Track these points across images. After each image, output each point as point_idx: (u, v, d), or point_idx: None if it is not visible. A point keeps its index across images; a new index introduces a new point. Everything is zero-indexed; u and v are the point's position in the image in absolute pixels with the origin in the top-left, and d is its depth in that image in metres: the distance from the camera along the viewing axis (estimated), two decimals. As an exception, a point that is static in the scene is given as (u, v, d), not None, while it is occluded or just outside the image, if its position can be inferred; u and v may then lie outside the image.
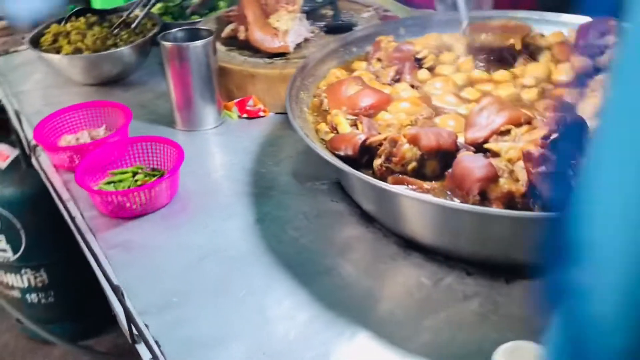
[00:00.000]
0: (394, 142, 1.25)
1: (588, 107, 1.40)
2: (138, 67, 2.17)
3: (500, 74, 1.60)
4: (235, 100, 1.88)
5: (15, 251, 2.53)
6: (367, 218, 1.42)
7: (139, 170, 1.60)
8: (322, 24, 2.11)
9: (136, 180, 1.57)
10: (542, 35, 1.78)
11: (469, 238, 1.23)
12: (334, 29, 2.03)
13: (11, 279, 2.63)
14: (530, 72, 1.61)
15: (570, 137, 1.25)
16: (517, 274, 1.25)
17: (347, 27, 2.02)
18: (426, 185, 1.24)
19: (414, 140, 1.24)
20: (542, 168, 1.10)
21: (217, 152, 1.76)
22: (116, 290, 1.21)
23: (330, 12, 2.21)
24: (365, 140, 1.29)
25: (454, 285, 1.25)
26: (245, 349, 1.15)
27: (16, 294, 2.68)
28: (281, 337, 1.17)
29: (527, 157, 1.13)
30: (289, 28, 1.88)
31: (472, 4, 2.00)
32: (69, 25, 2.14)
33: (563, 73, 1.60)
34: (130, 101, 2.03)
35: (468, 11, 1.88)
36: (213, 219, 1.48)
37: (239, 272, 1.32)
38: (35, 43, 2.11)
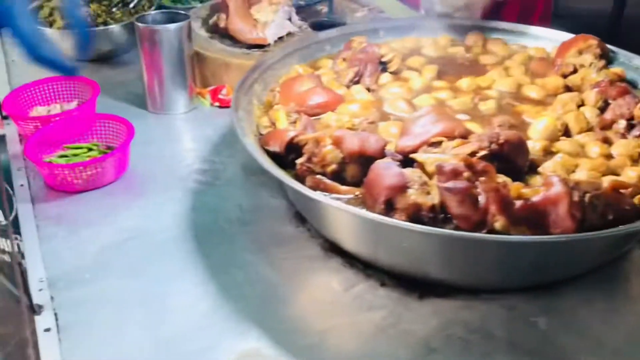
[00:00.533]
0: (317, 143, 1.22)
1: (543, 127, 1.35)
2: (131, 47, 2.19)
3: (465, 82, 1.55)
4: (209, 88, 1.88)
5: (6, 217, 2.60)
6: (300, 217, 1.40)
7: (94, 147, 1.62)
8: (314, 20, 2.09)
9: (89, 157, 1.59)
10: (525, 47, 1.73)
11: (385, 249, 1.20)
12: (320, 26, 2.01)
13: (2, 243, 2.70)
14: (497, 84, 1.55)
15: (500, 156, 1.20)
16: (432, 291, 1.21)
17: (334, 25, 1.99)
18: (343, 189, 1.20)
19: (337, 143, 1.21)
20: (450, 184, 1.06)
21: (179, 138, 1.76)
22: (18, 261, 1.22)
23: (326, 9, 2.19)
24: (293, 138, 1.27)
25: (363, 295, 1.21)
26: (139, 334, 1.15)
27: (7, 258, 2.76)
28: (176, 326, 1.16)
29: (439, 170, 1.09)
30: (269, 20, 1.87)
31: (461, 11, 1.95)
32: (67, 0, 2.18)
33: (533, 90, 1.54)
34: (113, 79, 2.06)
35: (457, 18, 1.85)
36: (152, 202, 1.49)
37: (158, 257, 1.32)
38: (34, 15, 2.15)
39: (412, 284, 1.22)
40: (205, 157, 1.64)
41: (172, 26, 1.73)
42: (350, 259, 1.28)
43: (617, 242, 1.14)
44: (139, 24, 1.74)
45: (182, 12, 1.82)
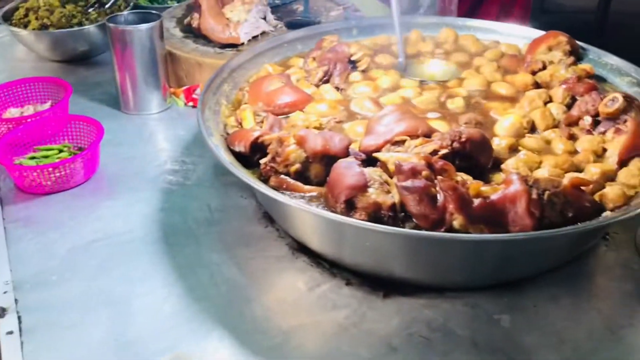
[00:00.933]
0: (280, 142, 1.22)
1: (509, 124, 1.35)
2: (107, 47, 2.17)
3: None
4: (183, 88, 1.88)
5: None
6: (269, 217, 1.40)
7: (65, 149, 1.61)
8: (289, 19, 2.09)
9: (59, 158, 1.58)
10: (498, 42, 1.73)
11: (348, 248, 1.20)
12: (295, 25, 2.00)
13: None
14: (467, 83, 1.55)
15: (463, 154, 1.20)
16: (397, 289, 1.21)
17: (309, 24, 1.98)
18: (307, 188, 1.20)
19: (300, 142, 1.21)
20: (408, 182, 1.06)
21: (151, 138, 1.76)
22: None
23: (301, 8, 2.19)
24: (257, 138, 1.26)
25: (328, 294, 1.21)
26: (102, 335, 1.15)
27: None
28: (140, 328, 1.16)
29: (397, 169, 1.09)
30: (242, 19, 1.86)
31: (436, 9, 1.95)
32: (42, 1, 2.17)
33: (502, 86, 1.54)
34: (88, 79, 2.06)
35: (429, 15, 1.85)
36: (121, 202, 1.48)
37: (125, 258, 1.32)
38: (8, 17, 2.15)
39: (377, 283, 1.22)
40: (176, 157, 1.64)
41: (143, 26, 1.73)
42: (317, 259, 1.28)
43: (578, 239, 1.14)
44: (111, 25, 1.74)
45: (155, 12, 1.82)
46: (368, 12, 2.38)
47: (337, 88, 1.54)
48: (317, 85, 1.56)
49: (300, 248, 1.31)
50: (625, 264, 1.26)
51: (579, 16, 6.19)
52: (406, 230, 1.06)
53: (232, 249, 1.33)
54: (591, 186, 1.15)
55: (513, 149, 1.31)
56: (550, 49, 1.58)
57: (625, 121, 1.29)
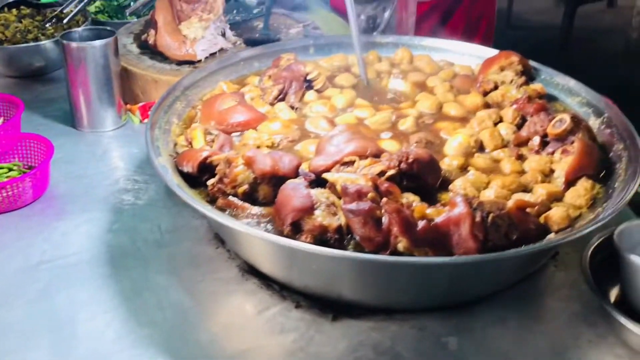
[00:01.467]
0: (229, 163, 1.21)
1: (457, 144, 1.35)
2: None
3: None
4: (139, 105, 1.85)
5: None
6: (220, 238, 1.38)
7: (15, 167, 1.58)
8: (248, 36, 2.08)
9: (8, 177, 1.54)
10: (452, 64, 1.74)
11: (297, 271, 1.19)
12: (254, 42, 2.00)
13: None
14: (419, 104, 1.56)
15: (410, 175, 1.20)
16: (346, 312, 1.19)
17: (268, 41, 1.98)
18: (254, 210, 1.19)
19: (248, 163, 1.20)
20: (353, 205, 1.05)
21: (104, 156, 1.73)
22: None
23: (262, 25, 2.18)
24: (205, 158, 1.25)
25: (277, 317, 1.19)
26: (42, 361, 1.11)
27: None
28: (81, 353, 1.13)
29: (343, 192, 1.08)
30: (199, 36, 1.85)
31: (393, 29, 1.96)
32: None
33: (453, 107, 1.54)
34: (43, 96, 2.02)
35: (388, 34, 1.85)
36: (69, 223, 1.45)
37: (71, 281, 1.29)
38: None
39: (327, 305, 1.21)
40: (128, 175, 1.61)
41: (97, 43, 1.71)
42: (267, 281, 1.26)
43: (523, 261, 1.14)
44: (64, 41, 1.71)
45: (110, 28, 1.79)
46: (331, 30, 2.38)
47: (292, 107, 1.54)
48: (272, 104, 1.55)
49: (251, 270, 1.29)
50: (573, 284, 1.26)
51: (543, 32, 6.31)
52: (345, 253, 1.05)
53: (181, 271, 1.31)
54: (537, 207, 1.15)
55: (463, 169, 1.32)
56: (502, 69, 1.59)
57: (572, 142, 1.30)
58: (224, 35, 2.00)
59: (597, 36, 6.06)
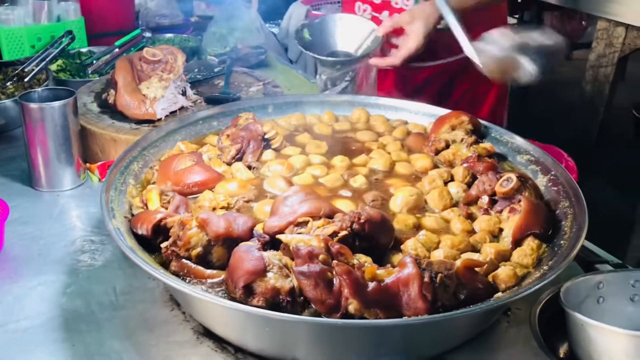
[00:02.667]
0: (182, 225, 1.22)
1: (401, 201, 1.38)
2: (24, 121, 2.16)
3: (339, 159, 1.59)
4: (98, 163, 1.86)
5: None
6: (175, 300, 1.37)
7: (-32, 228, 1.56)
8: (209, 94, 2.11)
9: (-39, 239, 1.52)
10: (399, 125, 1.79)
11: (251, 334, 1.18)
12: (214, 100, 2.03)
13: None
14: (372, 162, 1.59)
15: (363, 235, 1.22)
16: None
17: (228, 100, 2.01)
18: (208, 273, 1.19)
19: (202, 225, 1.21)
20: (304, 267, 1.06)
21: (61, 216, 1.71)
22: None
23: (222, 83, 2.22)
24: (160, 220, 1.26)
25: (231, 381, 1.19)
26: None
27: None
28: None
29: (295, 253, 1.10)
30: (159, 95, 1.88)
31: (354, 88, 2.01)
32: (-40, 74, 2.14)
33: (403, 167, 1.58)
34: (2, 154, 2.01)
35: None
36: (22, 286, 1.43)
37: (22, 347, 1.26)
38: None
39: (284, 368, 1.20)
40: (85, 236, 1.61)
41: (56, 104, 1.72)
42: (222, 343, 1.26)
43: (474, 319, 1.16)
44: (22, 102, 1.72)
45: (69, 89, 1.81)
46: (292, 86, 2.44)
47: (250, 166, 1.56)
48: (230, 164, 1.57)
49: (206, 332, 1.28)
50: (525, 340, 1.28)
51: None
52: (295, 316, 1.06)
53: (135, 335, 1.29)
54: (485, 267, 1.18)
55: (413, 228, 1.34)
56: (453, 128, 1.64)
57: (519, 201, 1.34)
58: (184, 94, 2.02)
59: (554, 87, 6.28)
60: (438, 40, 1.98)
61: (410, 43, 1.91)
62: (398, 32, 1.99)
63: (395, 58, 1.94)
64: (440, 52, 2.13)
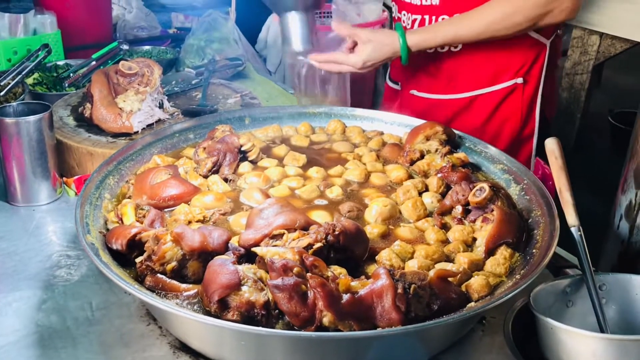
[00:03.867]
0: (157, 240, 1.22)
1: (376, 212, 1.39)
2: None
3: (314, 170, 1.60)
4: (75, 177, 1.85)
5: None
6: (151, 314, 1.37)
7: (-59, 245, 1.54)
8: (186, 107, 2.11)
9: None
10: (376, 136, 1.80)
11: (227, 347, 1.19)
12: (191, 113, 2.03)
13: None
14: (347, 173, 1.60)
15: (338, 247, 1.22)
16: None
17: (205, 112, 2.02)
18: (183, 287, 1.19)
19: (177, 239, 1.21)
20: (278, 280, 1.07)
21: (37, 231, 1.70)
22: None
23: (200, 95, 2.22)
24: (134, 235, 1.25)
25: (208, 395, 1.19)
26: None
27: None
28: None
29: (269, 267, 1.10)
30: (135, 109, 1.87)
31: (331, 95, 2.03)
32: None
33: (378, 177, 1.59)
34: (-24, 170, 2.00)
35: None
36: (-3, 302, 1.42)
37: (-5, 364, 1.26)
38: None
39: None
40: (62, 251, 1.60)
41: (31, 118, 1.71)
42: (199, 357, 1.26)
43: (448, 329, 1.18)
44: (-4, 117, 1.71)
45: (45, 103, 1.80)
46: (270, 97, 2.45)
47: (226, 179, 1.56)
48: (206, 176, 1.57)
49: (182, 347, 1.28)
50: (500, 348, 1.30)
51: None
52: (268, 330, 1.06)
53: (111, 350, 1.29)
54: (459, 276, 1.19)
55: (383, 237, 1.36)
56: (427, 138, 1.66)
57: (492, 210, 1.36)
58: (161, 106, 2.03)
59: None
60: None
61: (351, 60, 1.91)
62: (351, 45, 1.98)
63: (335, 68, 1.95)
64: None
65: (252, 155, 1.65)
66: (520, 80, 2.01)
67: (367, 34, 1.92)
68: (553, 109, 2.27)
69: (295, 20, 1.85)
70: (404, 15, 2.08)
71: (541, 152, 2.35)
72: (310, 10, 1.86)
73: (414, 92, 2.17)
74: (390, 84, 2.36)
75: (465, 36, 1.89)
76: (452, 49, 2.01)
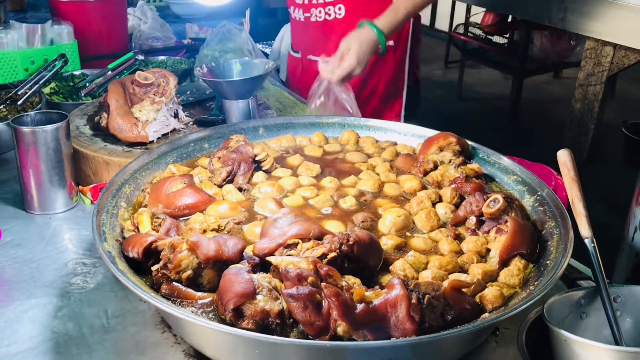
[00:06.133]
0: (173, 248, 1.23)
1: (390, 222, 1.40)
2: (16, 144, 2.17)
3: (328, 180, 1.60)
4: (91, 186, 1.87)
5: None
6: (166, 322, 1.38)
7: (-40, 252, 1.57)
8: (200, 116, 2.13)
9: (-48, 263, 1.53)
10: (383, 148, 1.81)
11: (242, 356, 1.19)
12: (206, 123, 2.05)
13: None
14: (360, 183, 1.61)
15: (351, 257, 1.23)
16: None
17: (219, 122, 2.03)
18: (198, 295, 1.20)
19: (193, 248, 1.22)
20: (293, 290, 1.08)
21: (53, 239, 1.72)
22: None
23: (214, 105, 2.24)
24: (150, 244, 1.27)
25: (221, 403, 1.19)
26: None
27: None
28: None
29: (284, 276, 1.11)
30: (151, 118, 1.89)
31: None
32: (-49, 98, 2.16)
33: (392, 188, 1.60)
34: (-6, 177, 2.03)
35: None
36: (13, 310, 1.44)
37: (12, 371, 1.27)
38: None
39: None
40: (77, 259, 1.61)
41: (48, 127, 1.73)
42: (213, 364, 1.27)
43: (462, 340, 1.18)
44: (15, 125, 1.73)
45: (62, 112, 1.82)
46: (283, 107, 2.46)
47: (241, 188, 1.57)
48: (221, 186, 1.59)
49: (197, 355, 1.29)
50: (513, 359, 1.30)
51: (494, 102, 6.57)
52: (283, 339, 1.07)
53: (126, 358, 1.30)
54: (472, 287, 1.19)
55: (398, 249, 1.36)
56: (441, 149, 1.66)
57: (506, 221, 1.36)
58: (176, 116, 2.04)
59: (545, 105, 6.35)
60: None
61: (345, 62, 2.11)
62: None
63: (332, 75, 2.13)
64: None
65: (266, 165, 1.66)
66: (392, 43, 2.51)
67: (344, 42, 2.15)
68: (419, 72, 2.80)
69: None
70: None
71: (551, 161, 2.36)
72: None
73: (311, 57, 2.63)
74: (292, 53, 2.84)
75: (421, 2, 2.25)
76: (337, 16, 2.47)
